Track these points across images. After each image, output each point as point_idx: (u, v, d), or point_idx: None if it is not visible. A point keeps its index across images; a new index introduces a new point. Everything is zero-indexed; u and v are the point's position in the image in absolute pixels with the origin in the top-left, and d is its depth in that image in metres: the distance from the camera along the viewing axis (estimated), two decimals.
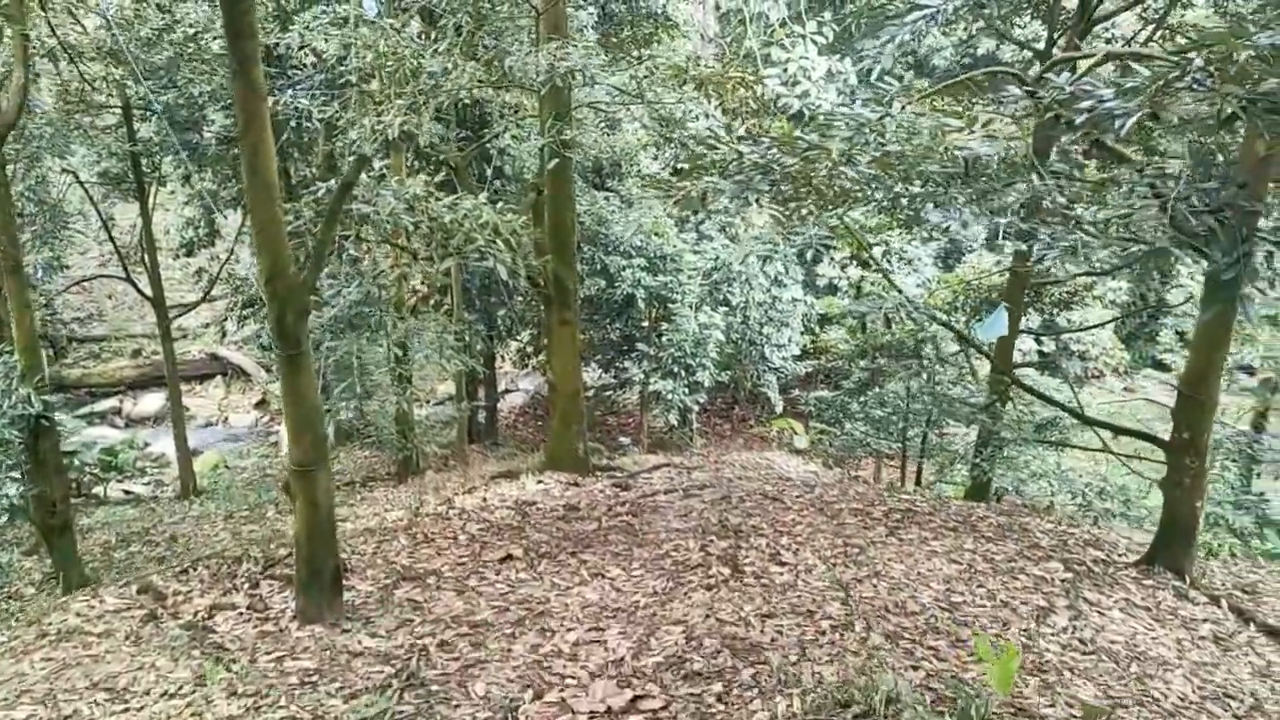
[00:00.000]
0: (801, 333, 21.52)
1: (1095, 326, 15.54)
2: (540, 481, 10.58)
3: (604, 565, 6.65)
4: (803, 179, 4.89)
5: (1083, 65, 5.21)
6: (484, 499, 9.78)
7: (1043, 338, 20.35)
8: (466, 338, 15.47)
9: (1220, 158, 4.94)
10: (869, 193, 5.07)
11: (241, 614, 6.26)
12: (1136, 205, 3.90)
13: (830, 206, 5.49)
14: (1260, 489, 11.99)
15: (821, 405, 17.09)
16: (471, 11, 9.96)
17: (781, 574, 6.22)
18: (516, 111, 13.46)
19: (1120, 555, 7.53)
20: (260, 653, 5.34)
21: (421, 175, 7.43)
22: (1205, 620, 6.15)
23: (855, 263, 21.34)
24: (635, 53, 10.80)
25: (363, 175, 7.11)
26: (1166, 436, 7.32)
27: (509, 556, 7.09)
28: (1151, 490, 13.11)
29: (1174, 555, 7.04)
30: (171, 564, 8.86)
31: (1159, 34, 10.32)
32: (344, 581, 6.34)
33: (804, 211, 6.01)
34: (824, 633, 4.92)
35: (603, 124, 15.63)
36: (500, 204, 7.31)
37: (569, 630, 5.36)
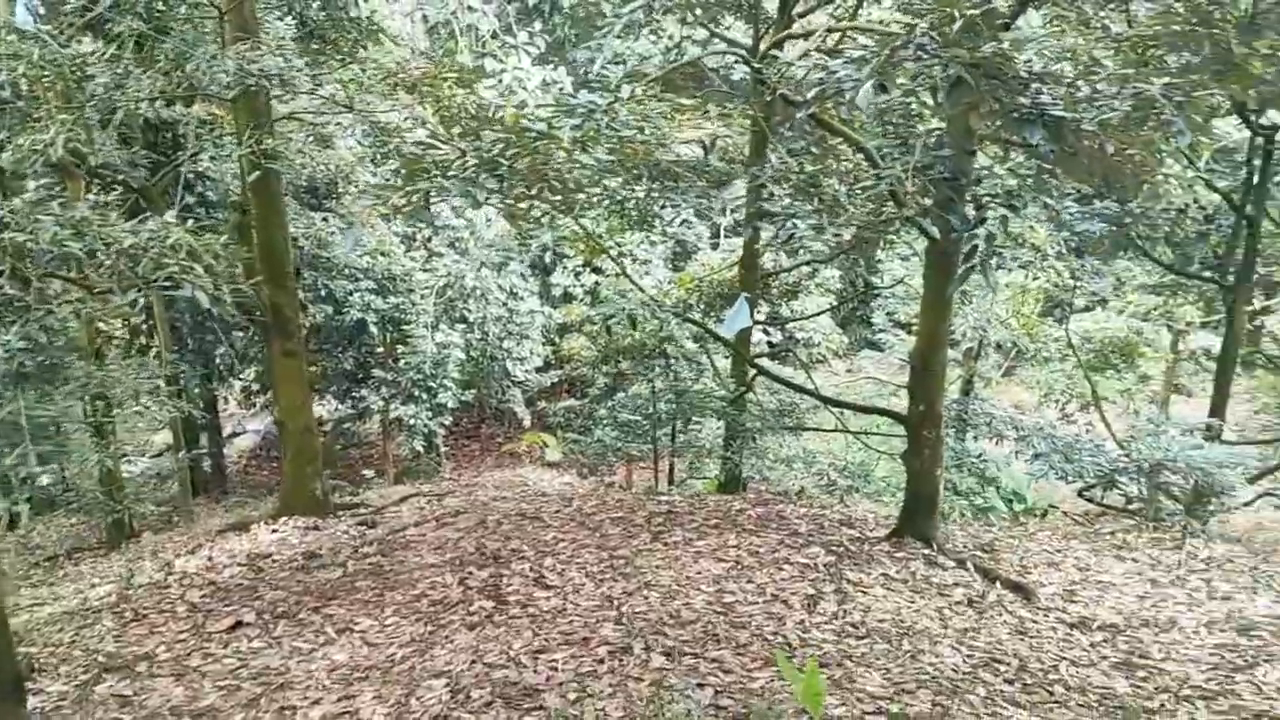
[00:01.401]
0: (543, 344, 21.30)
1: (818, 314, 16.31)
2: (275, 530, 9.57)
3: (352, 617, 5.95)
4: (535, 174, 4.51)
5: (800, 47, 5.18)
6: (209, 558, 8.68)
7: (769, 329, 21.27)
8: (181, 381, 13.91)
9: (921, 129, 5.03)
10: (604, 185, 4.77)
11: None
12: (881, 174, 3.82)
13: (565, 203, 5.15)
14: (977, 450, 12.96)
15: (569, 415, 16.89)
16: (144, 13, 8.85)
17: (549, 599, 5.81)
18: (213, 129, 12.23)
19: (872, 531, 7.73)
20: None
21: (94, 194, 6.38)
22: (957, 585, 6.36)
23: (589, 270, 21.42)
24: (338, 57, 10.00)
25: (17, 200, 6.00)
26: (900, 410, 7.60)
27: (239, 624, 6.20)
28: (880, 462, 13.91)
29: (920, 524, 7.29)
30: None
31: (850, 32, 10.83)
32: (30, 684, 5.27)
33: (538, 212, 5.65)
34: (601, 661, 4.55)
35: (312, 138, 14.57)
36: (190, 222, 6.40)
37: (314, 703, 4.66)
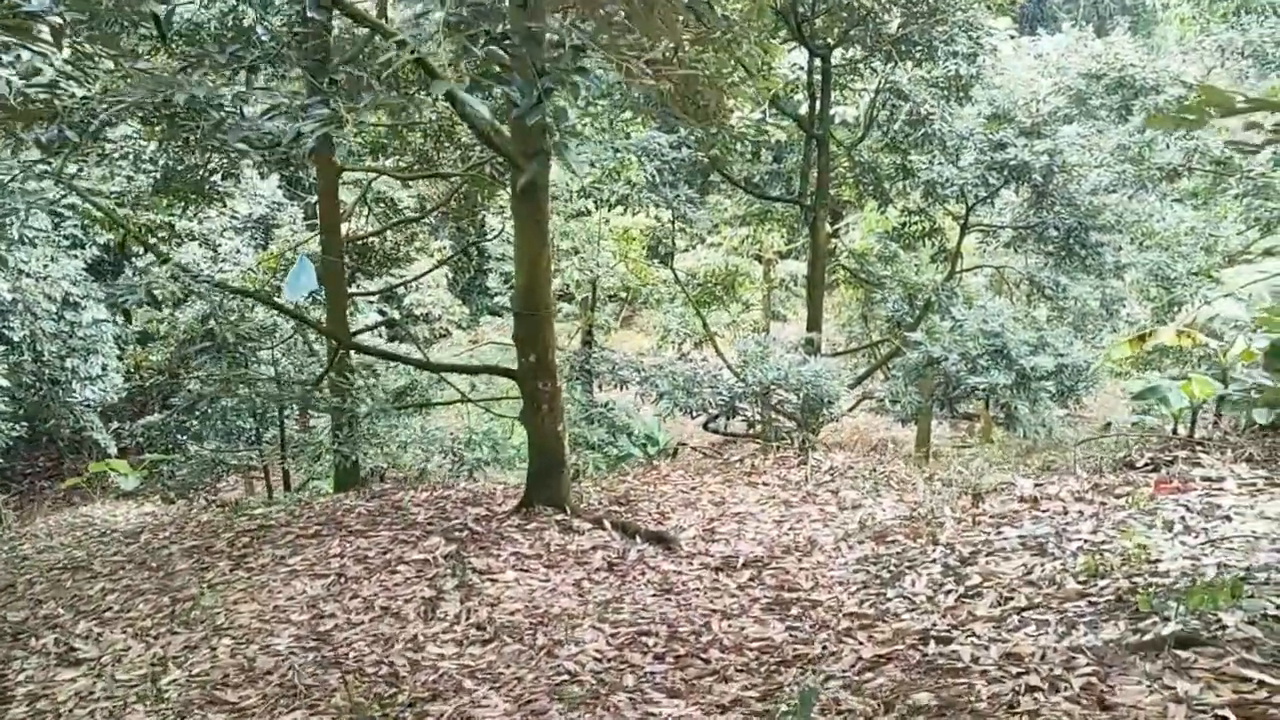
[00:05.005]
0: (119, 357, 18.29)
1: (425, 274, 15.37)
2: None
3: None
4: None
5: None
6: None
7: (386, 309, 19.89)
8: None
9: None
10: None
11: None
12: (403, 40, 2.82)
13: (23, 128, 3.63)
14: (605, 399, 12.66)
15: (153, 432, 14.46)
16: None
17: (75, 680, 4.30)
18: None
19: (501, 505, 6.87)
20: None
21: None
22: (595, 548, 5.67)
23: (163, 264, 18.68)
24: None
25: None
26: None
27: None
28: (515, 430, 13.21)
29: (549, 487, 6.53)
30: None
31: None
32: None
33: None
34: None
35: None
36: None
37: None
